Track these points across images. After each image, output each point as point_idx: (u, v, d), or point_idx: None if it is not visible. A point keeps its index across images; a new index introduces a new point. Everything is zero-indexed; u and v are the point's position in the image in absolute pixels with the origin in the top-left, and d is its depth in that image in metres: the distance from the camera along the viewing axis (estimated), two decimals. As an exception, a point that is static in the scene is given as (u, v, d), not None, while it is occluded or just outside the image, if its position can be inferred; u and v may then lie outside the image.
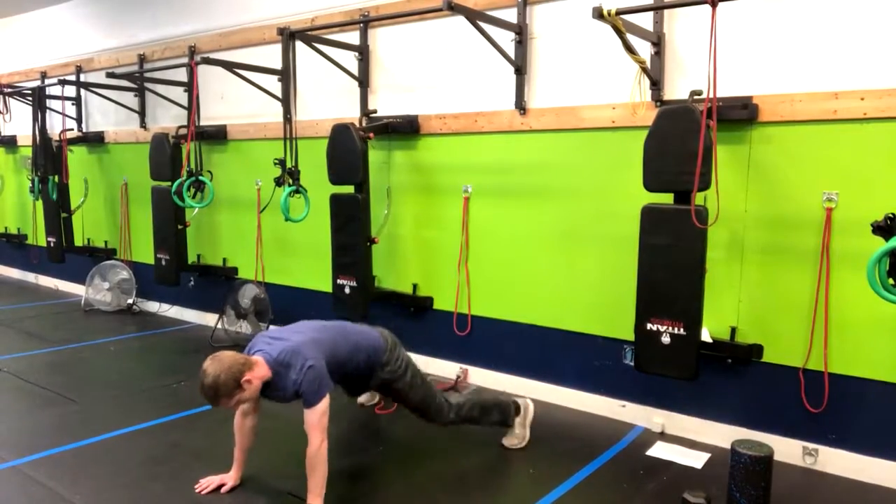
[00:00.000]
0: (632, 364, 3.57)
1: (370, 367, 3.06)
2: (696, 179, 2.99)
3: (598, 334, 3.98)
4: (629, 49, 3.41)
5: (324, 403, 2.71)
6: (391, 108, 4.74)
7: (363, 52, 4.81)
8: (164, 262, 5.84)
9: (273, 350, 2.76)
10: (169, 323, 6.30)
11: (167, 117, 6.27)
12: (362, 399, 4.03)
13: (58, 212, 6.81)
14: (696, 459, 3.40)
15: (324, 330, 2.97)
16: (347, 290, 4.57)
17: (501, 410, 3.49)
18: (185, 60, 5.86)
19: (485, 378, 4.46)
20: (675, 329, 3.21)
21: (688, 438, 3.65)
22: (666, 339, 3.24)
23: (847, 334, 3.21)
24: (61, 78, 6.76)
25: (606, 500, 3.06)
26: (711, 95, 2.96)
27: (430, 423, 3.31)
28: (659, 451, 3.52)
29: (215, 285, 6.00)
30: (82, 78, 7.10)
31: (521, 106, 4.14)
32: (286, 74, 4.47)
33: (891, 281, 2.41)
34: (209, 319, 5.96)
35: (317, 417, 2.69)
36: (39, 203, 7.13)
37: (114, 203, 6.99)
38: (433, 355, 4.60)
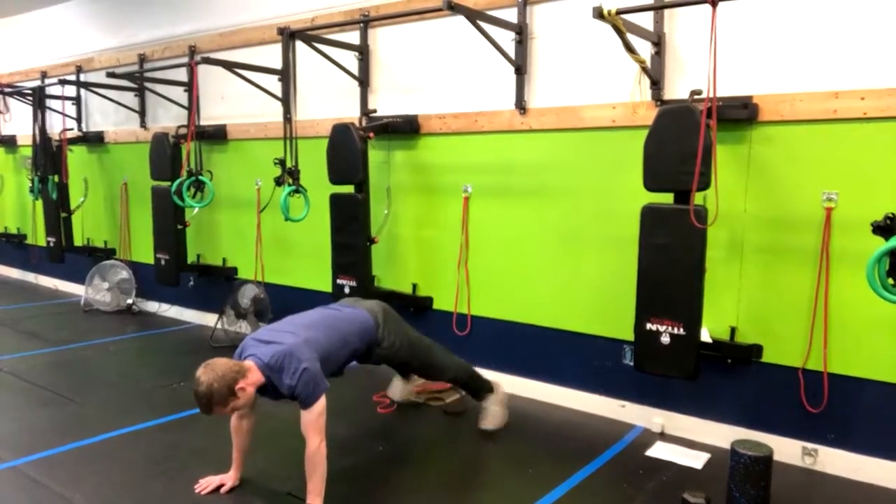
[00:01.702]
0: (631, 364, 3.57)
1: (367, 347, 3.17)
2: (696, 179, 2.99)
3: (597, 334, 3.98)
4: (629, 49, 3.41)
5: (320, 404, 2.71)
6: (391, 107, 4.74)
7: (363, 51, 4.81)
8: (163, 262, 5.83)
9: (265, 354, 2.73)
10: (169, 323, 6.30)
11: (167, 117, 6.27)
12: (397, 397, 4.06)
13: (57, 212, 6.80)
14: (696, 459, 3.40)
15: (314, 327, 2.97)
16: (347, 291, 4.57)
17: (479, 381, 3.70)
18: (185, 60, 5.86)
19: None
20: (675, 329, 3.21)
21: (687, 438, 3.64)
22: (666, 339, 3.24)
23: (847, 334, 3.21)
24: (61, 78, 6.77)
25: (606, 501, 3.06)
26: (711, 95, 2.96)
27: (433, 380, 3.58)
28: (659, 451, 3.51)
29: (215, 285, 6.00)
30: (82, 78, 7.09)
31: (521, 106, 4.14)
32: (286, 74, 4.47)
33: (891, 281, 2.41)
34: (209, 319, 5.96)
35: (314, 418, 2.69)
36: (39, 203, 7.12)
37: (114, 203, 6.99)
38: (433, 355, 4.60)
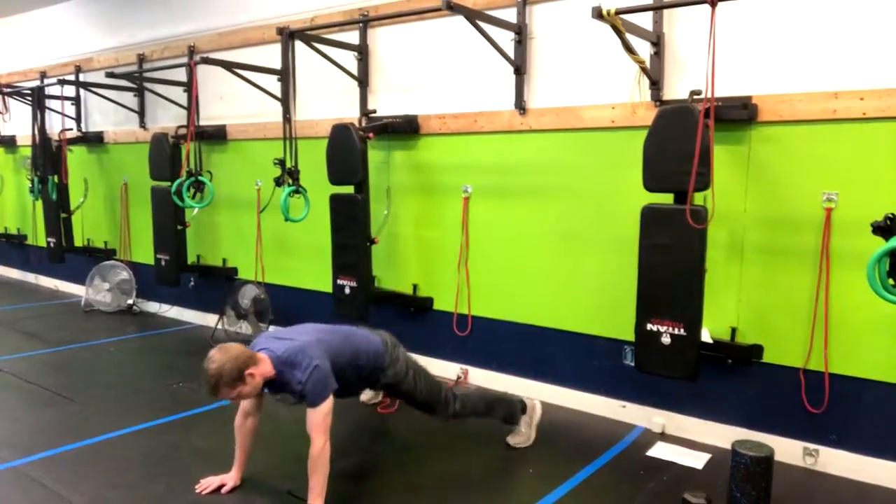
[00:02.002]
0: (632, 364, 3.57)
1: (372, 370, 3.09)
2: (692, 179, 2.99)
3: (598, 334, 3.98)
4: (629, 49, 3.41)
5: (327, 404, 2.72)
6: (391, 107, 4.74)
7: (363, 51, 4.81)
8: (163, 263, 5.83)
9: (278, 349, 2.77)
10: (169, 323, 6.30)
11: (167, 117, 6.26)
12: (365, 397, 4.04)
13: (58, 212, 6.80)
14: (697, 460, 3.40)
15: (327, 332, 2.99)
16: (347, 291, 4.57)
17: (507, 407, 3.52)
18: (184, 60, 5.85)
19: (485, 378, 4.46)
20: (676, 329, 3.21)
21: (688, 439, 3.64)
22: (666, 340, 3.24)
23: (847, 334, 3.21)
24: (61, 78, 6.76)
25: (606, 501, 3.06)
26: (710, 95, 2.96)
27: (436, 417, 3.33)
28: (659, 451, 3.51)
29: (215, 286, 5.99)
30: (82, 78, 7.09)
31: (520, 106, 4.14)
32: (286, 74, 4.47)
33: (891, 281, 2.41)
34: (209, 320, 5.96)
35: (320, 418, 2.70)
36: (39, 203, 7.12)
37: (113, 203, 6.99)
38: (433, 356, 4.59)
